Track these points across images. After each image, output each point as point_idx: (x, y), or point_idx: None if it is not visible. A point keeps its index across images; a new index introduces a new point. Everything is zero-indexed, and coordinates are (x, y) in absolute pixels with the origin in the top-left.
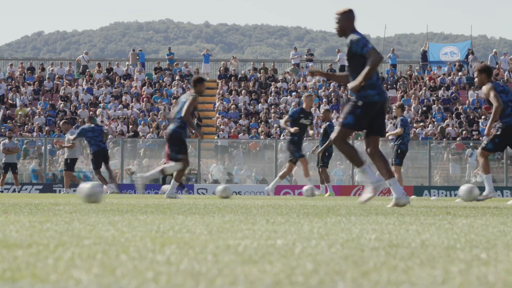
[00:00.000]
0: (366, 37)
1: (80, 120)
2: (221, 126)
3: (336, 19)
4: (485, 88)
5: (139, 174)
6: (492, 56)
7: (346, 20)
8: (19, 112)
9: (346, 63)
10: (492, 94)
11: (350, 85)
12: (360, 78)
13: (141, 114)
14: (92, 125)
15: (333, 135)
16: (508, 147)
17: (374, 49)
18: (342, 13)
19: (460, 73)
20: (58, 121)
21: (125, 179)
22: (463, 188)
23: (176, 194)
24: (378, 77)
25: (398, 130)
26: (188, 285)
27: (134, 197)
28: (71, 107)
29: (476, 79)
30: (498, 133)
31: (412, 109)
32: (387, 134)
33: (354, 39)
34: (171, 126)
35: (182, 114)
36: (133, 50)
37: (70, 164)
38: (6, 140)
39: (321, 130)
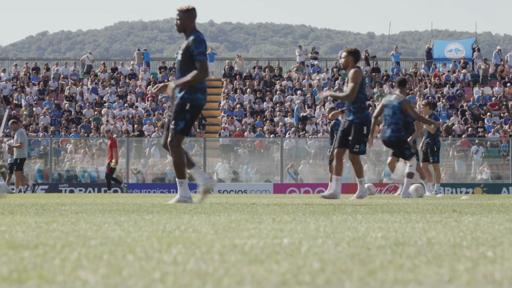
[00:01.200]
0: (205, 43)
1: (85, 119)
2: (226, 125)
3: (177, 16)
4: (351, 72)
5: (412, 188)
6: (496, 53)
7: (188, 18)
8: (24, 112)
9: (179, 57)
10: (355, 81)
11: (172, 83)
12: (181, 81)
13: (146, 113)
14: None
15: (169, 140)
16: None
17: (205, 63)
18: (185, 11)
19: (464, 70)
20: (64, 121)
21: (131, 179)
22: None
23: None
24: (205, 83)
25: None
26: (195, 285)
27: (141, 196)
28: (76, 107)
29: (342, 60)
30: (365, 132)
31: (417, 106)
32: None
33: (198, 40)
34: (389, 132)
35: (411, 118)
36: (138, 50)
37: (19, 164)
38: (12, 141)
39: (328, 129)
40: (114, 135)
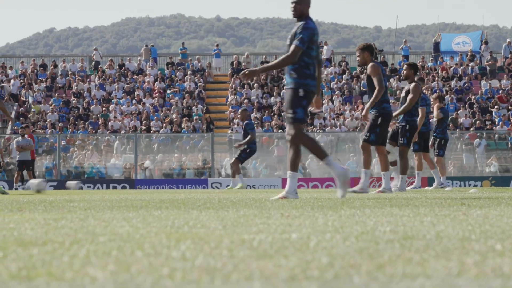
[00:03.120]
0: (314, 31)
1: (94, 116)
2: (235, 120)
3: (297, 1)
4: (369, 67)
5: None
6: (506, 46)
7: (306, 5)
8: (32, 109)
9: (287, 42)
10: (377, 73)
11: (258, 68)
12: (268, 66)
13: (153, 109)
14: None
15: (287, 130)
16: None
17: (298, 49)
18: None
19: (472, 63)
20: (71, 118)
21: (139, 175)
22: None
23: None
24: (313, 70)
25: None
26: (204, 281)
27: (149, 192)
28: (84, 103)
29: (358, 58)
30: (378, 123)
31: None
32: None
33: (305, 26)
34: None
35: None
36: (146, 46)
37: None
38: (20, 138)
39: (336, 123)
40: (123, 132)
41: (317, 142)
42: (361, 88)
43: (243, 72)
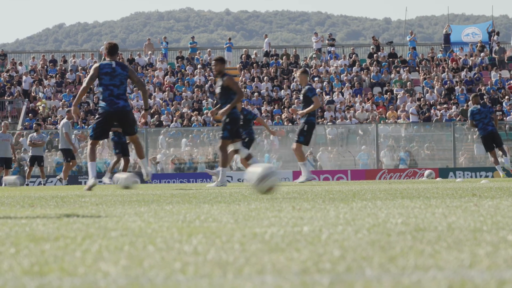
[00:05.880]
0: None
1: None
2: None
3: None
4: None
5: None
6: None
7: None
8: (41, 105)
9: None
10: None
11: None
12: None
13: (164, 103)
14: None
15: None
16: None
17: None
18: None
19: (482, 54)
20: (82, 113)
21: (149, 169)
22: None
23: None
24: None
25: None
26: (216, 275)
27: (160, 186)
28: (94, 98)
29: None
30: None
31: (435, 91)
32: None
33: None
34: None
35: None
36: (149, 40)
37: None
38: (34, 134)
39: (347, 115)
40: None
41: None
42: (371, 80)
43: None
